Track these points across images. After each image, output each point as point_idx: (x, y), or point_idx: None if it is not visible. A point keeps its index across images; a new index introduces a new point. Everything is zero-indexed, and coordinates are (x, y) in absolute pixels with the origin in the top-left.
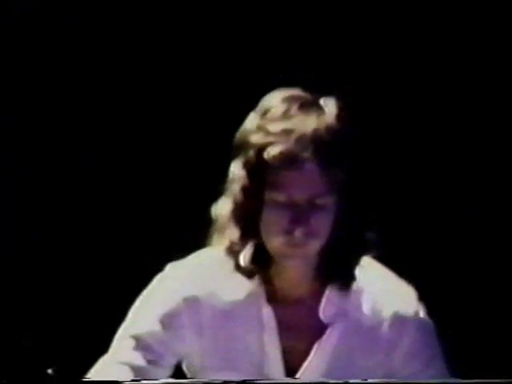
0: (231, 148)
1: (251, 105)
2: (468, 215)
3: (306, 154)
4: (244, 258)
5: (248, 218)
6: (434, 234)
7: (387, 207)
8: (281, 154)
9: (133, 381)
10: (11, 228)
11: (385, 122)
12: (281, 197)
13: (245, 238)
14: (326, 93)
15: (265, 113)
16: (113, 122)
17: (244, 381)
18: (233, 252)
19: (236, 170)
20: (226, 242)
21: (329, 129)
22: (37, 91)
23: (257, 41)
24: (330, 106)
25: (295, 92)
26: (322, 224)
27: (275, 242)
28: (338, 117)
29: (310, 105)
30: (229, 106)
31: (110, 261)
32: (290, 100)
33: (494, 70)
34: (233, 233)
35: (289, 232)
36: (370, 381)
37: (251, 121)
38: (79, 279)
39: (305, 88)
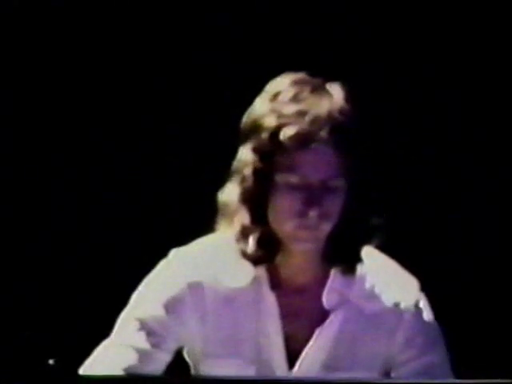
0: (232, 135)
1: (247, 94)
2: (475, 207)
3: (322, 135)
4: (251, 244)
5: (258, 203)
6: (439, 227)
7: (394, 194)
8: (297, 134)
9: (129, 375)
10: (10, 219)
11: (390, 108)
12: (294, 178)
13: (255, 222)
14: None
15: (275, 96)
16: (114, 109)
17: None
18: (244, 236)
19: (245, 154)
20: (235, 228)
21: (341, 111)
22: (36, 90)
23: (252, 33)
24: (337, 90)
25: (302, 76)
26: (334, 206)
27: (288, 225)
28: (347, 100)
29: (319, 88)
30: (227, 97)
31: (112, 248)
32: (299, 83)
33: (498, 53)
34: (244, 218)
35: (302, 214)
36: (369, 380)
37: (261, 105)
38: (82, 267)
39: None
